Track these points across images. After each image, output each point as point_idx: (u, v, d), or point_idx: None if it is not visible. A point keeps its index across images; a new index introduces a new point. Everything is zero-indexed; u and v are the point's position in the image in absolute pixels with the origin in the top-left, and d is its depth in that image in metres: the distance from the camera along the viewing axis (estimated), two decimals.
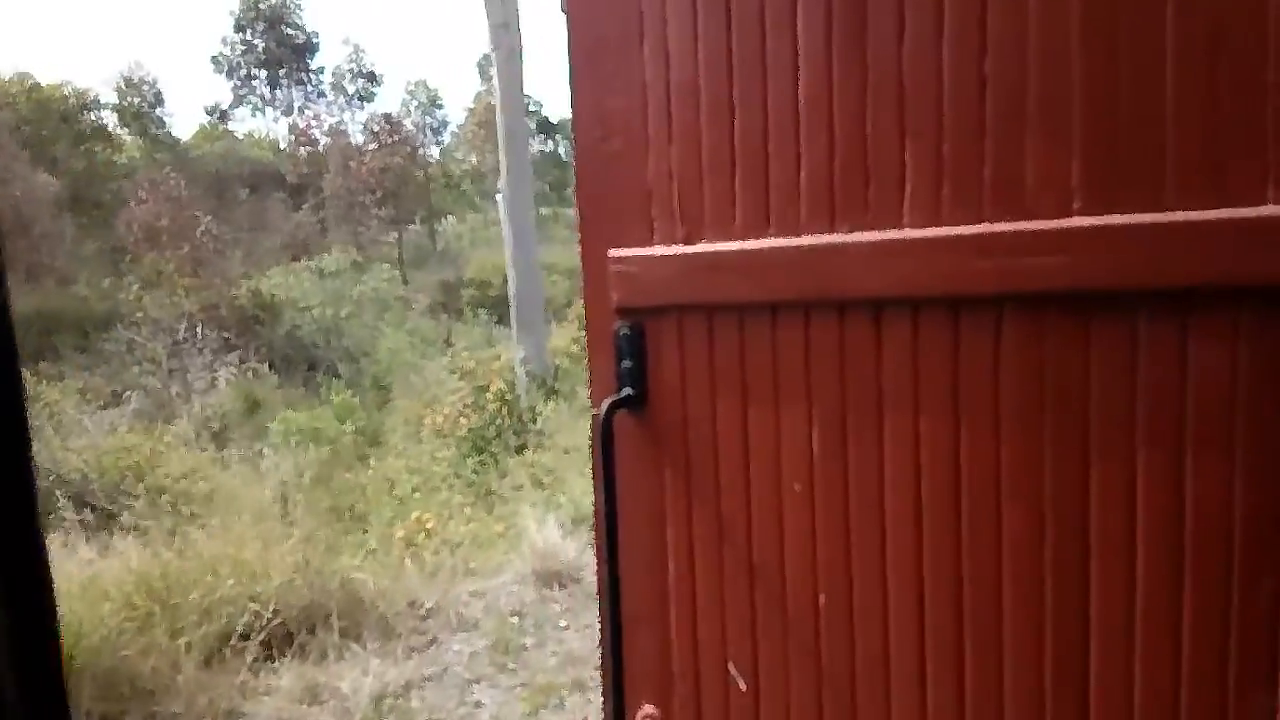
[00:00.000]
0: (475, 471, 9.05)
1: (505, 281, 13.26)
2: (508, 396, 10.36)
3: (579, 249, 1.39)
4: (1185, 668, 1.00)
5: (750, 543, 1.28)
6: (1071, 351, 1.04)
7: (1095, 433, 1.03)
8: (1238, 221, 0.94)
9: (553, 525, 6.16)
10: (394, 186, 27.02)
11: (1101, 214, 1.01)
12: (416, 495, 8.39)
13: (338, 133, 30.24)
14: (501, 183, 12.28)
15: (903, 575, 1.17)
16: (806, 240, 1.20)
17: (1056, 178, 1.04)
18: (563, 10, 1.42)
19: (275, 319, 17.26)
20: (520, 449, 9.65)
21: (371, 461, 10.05)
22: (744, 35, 1.22)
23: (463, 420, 10.07)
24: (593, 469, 1.37)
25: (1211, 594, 0.99)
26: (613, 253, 1.34)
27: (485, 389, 10.33)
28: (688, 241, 1.29)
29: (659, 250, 1.31)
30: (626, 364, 1.34)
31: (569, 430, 9.69)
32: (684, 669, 1.35)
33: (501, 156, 12.24)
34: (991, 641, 1.11)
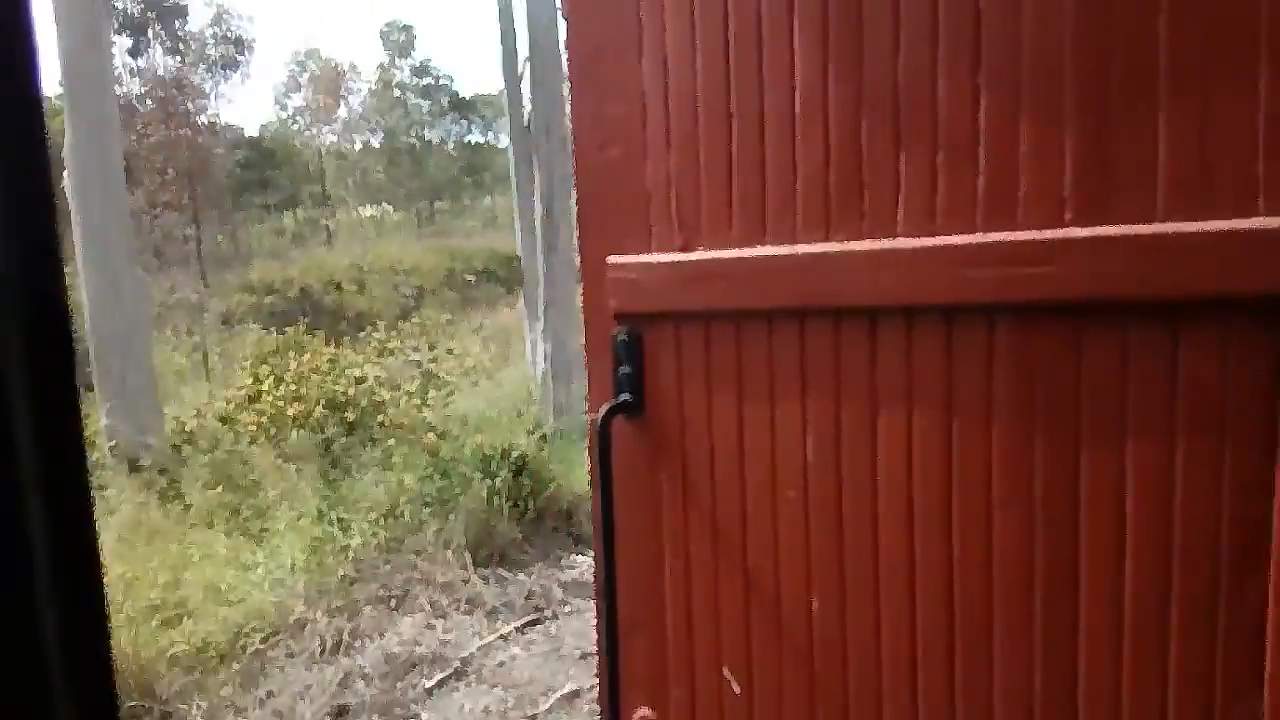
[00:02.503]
0: None
1: (294, 287, 11.34)
2: None
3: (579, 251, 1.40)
4: (1173, 669, 1.01)
5: (745, 548, 1.30)
6: (1062, 360, 1.05)
7: (1085, 441, 1.05)
8: (1227, 233, 0.96)
9: None
10: (187, 166, 21.48)
11: (1092, 225, 1.03)
12: None
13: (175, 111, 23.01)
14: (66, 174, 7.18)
15: (895, 580, 1.18)
16: (802, 249, 1.21)
17: (1048, 189, 1.05)
18: (564, 17, 1.44)
19: None
20: None
21: None
22: (741, 46, 1.24)
23: None
24: (590, 473, 1.38)
25: (1198, 598, 1.00)
26: (611, 259, 1.36)
27: None
28: (685, 249, 1.31)
29: (657, 257, 1.33)
30: (624, 370, 1.36)
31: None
32: (679, 672, 1.37)
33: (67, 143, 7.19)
34: (981, 644, 1.13)
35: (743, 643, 1.31)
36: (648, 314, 1.34)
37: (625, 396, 1.35)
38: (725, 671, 1.32)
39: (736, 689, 1.31)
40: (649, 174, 1.33)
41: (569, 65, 1.44)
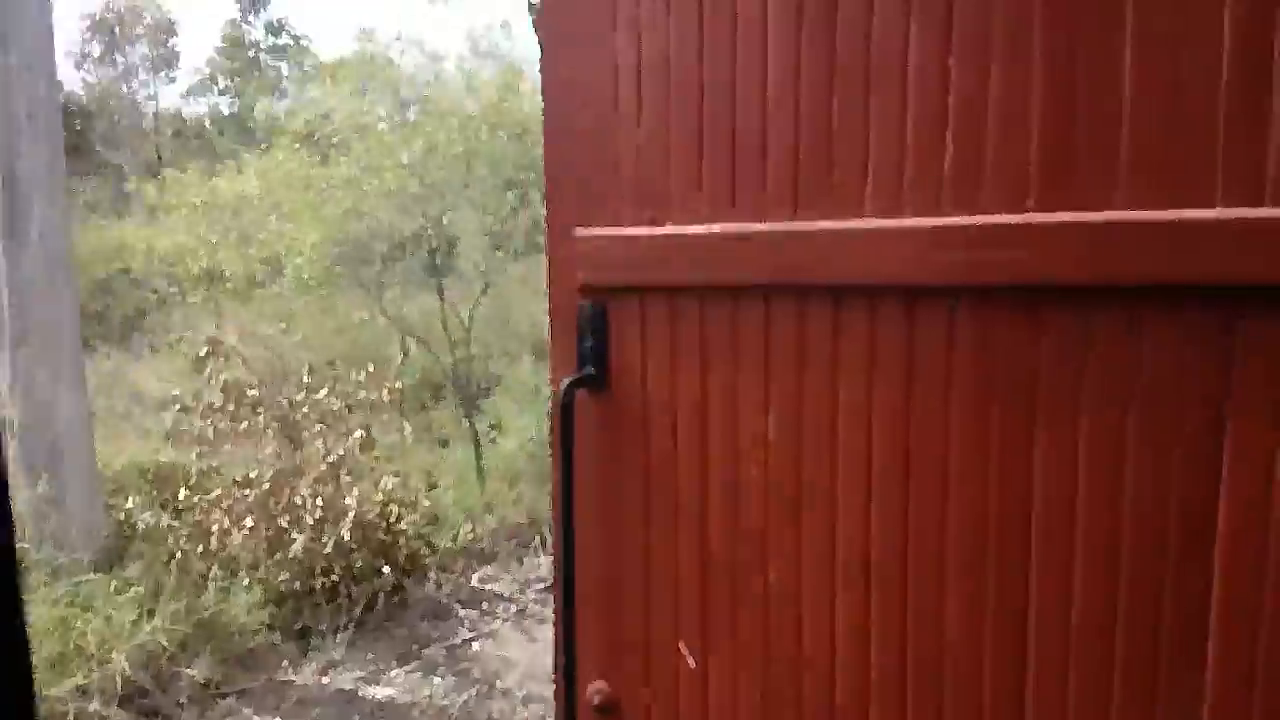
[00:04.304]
0: None
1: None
2: None
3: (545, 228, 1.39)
4: (1119, 642, 1.04)
5: (704, 522, 1.30)
6: (1021, 344, 1.06)
7: (1041, 422, 1.06)
8: (1186, 223, 0.97)
9: None
10: None
11: (1053, 210, 1.04)
12: None
13: None
14: None
15: (851, 554, 1.19)
16: (770, 225, 1.21)
17: (1013, 173, 1.06)
18: None
19: None
20: None
21: None
22: (715, 19, 1.23)
23: None
24: (550, 446, 1.38)
25: (1145, 578, 1.02)
26: (578, 232, 1.35)
27: None
28: (653, 223, 1.30)
29: (624, 231, 1.32)
30: (588, 343, 1.35)
31: None
32: (635, 646, 1.37)
33: None
34: (933, 617, 1.14)
35: (699, 617, 1.31)
36: (613, 287, 1.34)
37: (588, 370, 1.34)
38: (681, 646, 1.33)
39: (692, 663, 1.32)
40: (618, 146, 1.32)
41: (541, 34, 1.42)
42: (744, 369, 1.25)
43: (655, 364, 1.32)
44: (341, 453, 5.65)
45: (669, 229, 1.28)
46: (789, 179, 1.20)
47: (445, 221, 8.69)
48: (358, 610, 5.27)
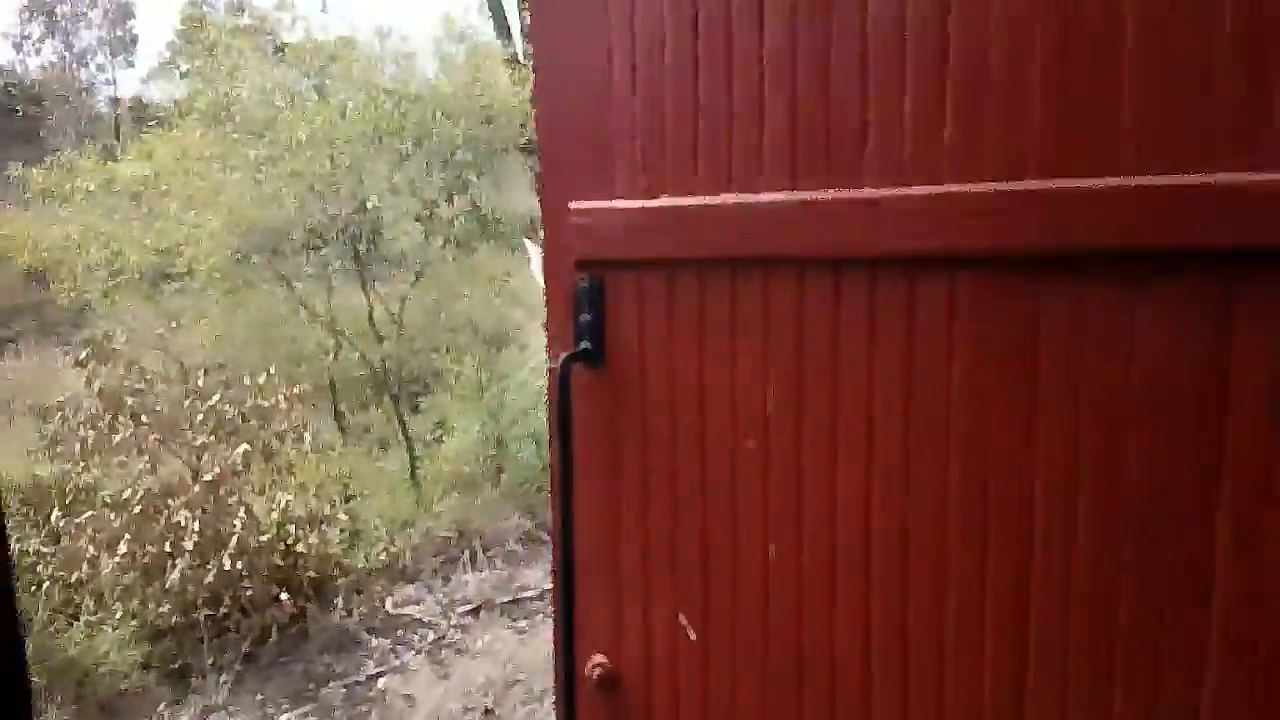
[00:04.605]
0: None
1: None
2: None
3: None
4: (1121, 617, 1.04)
5: (703, 496, 1.30)
6: (1022, 311, 1.06)
7: (1042, 392, 1.07)
8: (1186, 188, 0.97)
9: None
10: None
11: (1054, 178, 1.04)
12: None
13: None
14: None
15: (851, 529, 1.19)
16: (767, 197, 1.20)
17: (1013, 140, 1.06)
18: None
19: None
20: None
21: None
22: None
23: None
24: (548, 422, 1.37)
25: (1147, 546, 1.03)
26: (573, 205, 1.34)
27: None
28: (649, 195, 1.29)
29: (620, 204, 1.31)
30: (585, 318, 1.34)
31: None
32: (635, 620, 1.37)
33: None
34: (934, 591, 1.15)
35: (699, 590, 1.31)
36: (610, 261, 1.33)
37: (585, 345, 1.34)
38: (681, 619, 1.33)
39: (692, 636, 1.32)
40: (614, 118, 1.31)
41: (532, 8, 1.40)
42: (743, 342, 1.24)
43: (653, 338, 1.31)
44: (236, 465, 5.04)
45: (665, 201, 1.27)
46: (787, 149, 1.19)
47: (369, 206, 7.84)
48: (247, 644, 4.71)
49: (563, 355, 1.33)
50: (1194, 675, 1.01)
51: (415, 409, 8.28)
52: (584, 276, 1.34)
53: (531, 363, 7.29)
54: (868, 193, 1.14)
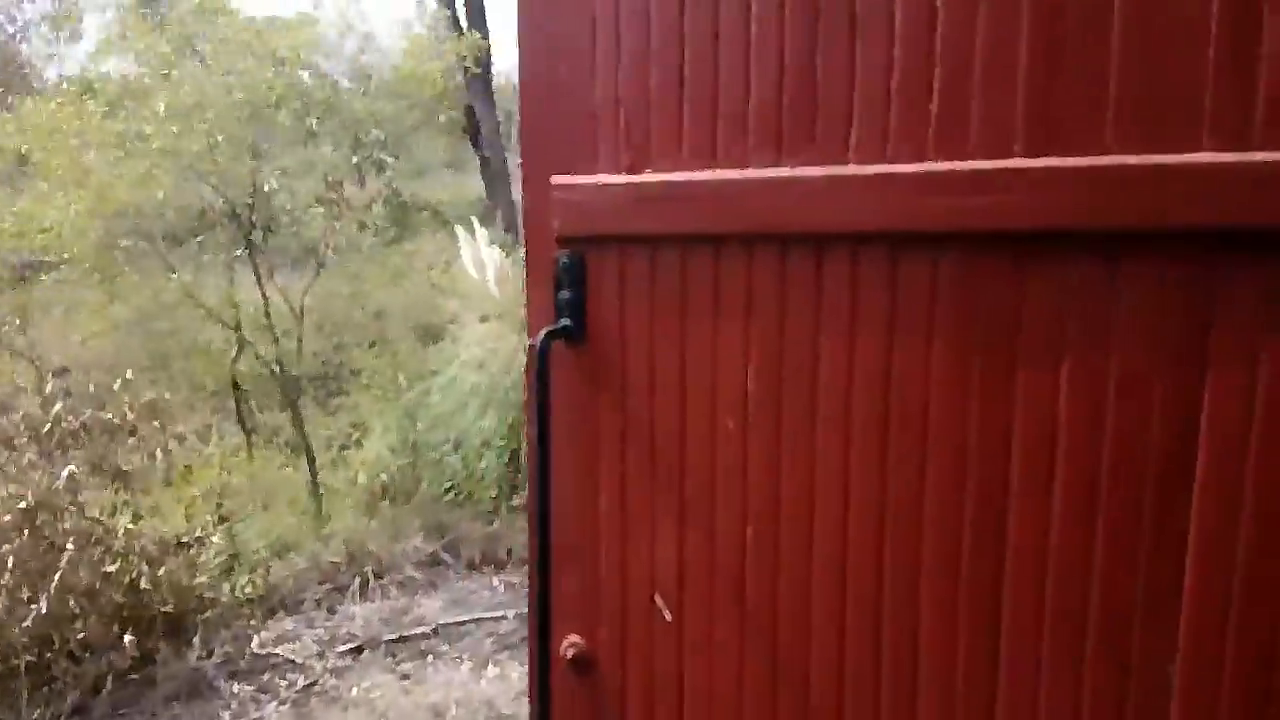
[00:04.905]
0: None
1: None
2: None
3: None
4: (1095, 593, 1.04)
5: (682, 476, 1.29)
6: (1005, 290, 1.06)
7: (1022, 369, 1.06)
8: (1171, 167, 0.97)
9: None
10: None
11: (1040, 156, 1.03)
12: None
13: None
14: None
15: (829, 510, 1.19)
16: (752, 173, 1.19)
17: (999, 118, 1.05)
18: None
19: None
20: None
21: None
22: None
23: None
24: (525, 399, 1.35)
25: (1122, 529, 1.03)
26: (555, 180, 1.32)
27: None
28: (632, 170, 1.27)
29: (602, 179, 1.29)
30: (565, 294, 1.32)
31: None
32: (611, 601, 1.36)
33: None
34: (910, 572, 1.14)
35: (675, 571, 1.30)
36: (592, 237, 1.31)
37: (565, 321, 1.32)
38: (657, 599, 1.32)
39: (668, 616, 1.31)
40: (597, 92, 1.29)
41: None
42: (725, 319, 1.23)
43: (634, 315, 1.30)
44: (76, 482, 4.24)
45: (648, 177, 1.26)
46: (772, 125, 1.18)
47: (265, 189, 6.85)
48: (76, 695, 3.94)
49: (542, 331, 1.31)
50: (1168, 645, 1.01)
51: (328, 410, 7.31)
52: (565, 252, 1.32)
53: (464, 355, 6.44)
54: (853, 169, 1.13)
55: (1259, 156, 0.93)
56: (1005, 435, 1.08)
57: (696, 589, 1.29)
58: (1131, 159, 0.98)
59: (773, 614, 1.24)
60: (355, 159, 7.75)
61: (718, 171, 1.21)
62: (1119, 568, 1.03)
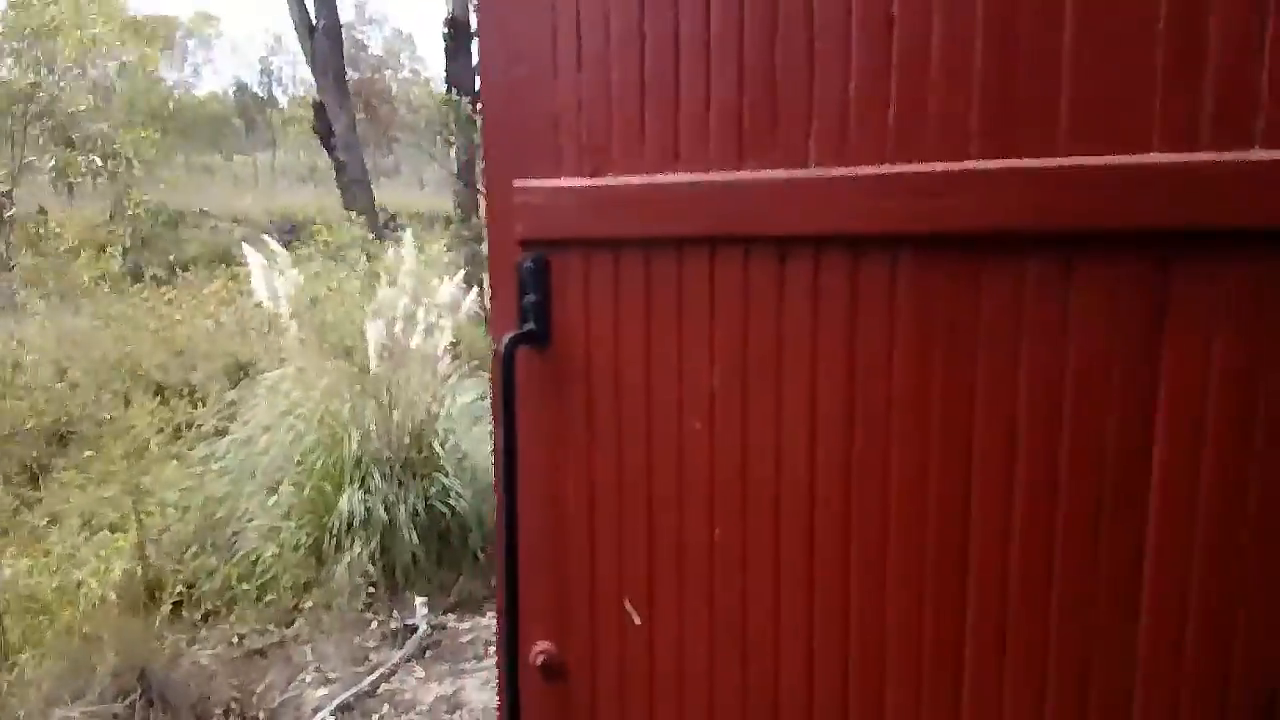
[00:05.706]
0: None
1: None
2: None
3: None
4: (1056, 585, 1.06)
5: (649, 480, 1.29)
6: (963, 289, 1.07)
7: (981, 370, 1.07)
8: (1124, 168, 0.98)
9: None
10: None
11: (994, 158, 1.04)
12: None
13: None
14: None
15: (796, 510, 1.19)
16: (714, 176, 1.19)
17: (955, 121, 1.06)
18: None
19: None
20: None
21: None
22: None
23: None
24: (492, 404, 1.35)
25: (1082, 525, 1.04)
26: (517, 183, 1.31)
27: None
28: (594, 174, 1.27)
29: (565, 182, 1.28)
30: (530, 298, 1.32)
31: None
32: (580, 605, 1.35)
33: None
34: (876, 571, 1.15)
35: (644, 575, 1.30)
36: (555, 241, 1.30)
37: (530, 326, 1.31)
38: (626, 604, 1.32)
39: (637, 621, 1.31)
40: (558, 95, 1.29)
41: None
42: (689, 321, 1.23)
43: (599, 319, 1.29)
44: None
45: (611, 180, 1.26)
46: (733, 129, 1.18)
47: None
48: None
49: (506, 336, 1.30)
50: (1129, 631, 1.03)
51: (46, 471, 5.47)
52: (528, 256, 1.31)
53: (246, 415, 5.03)
54: (813, 172, 1.13)
55: (1206, 156, 0.95)
56: (966, 432, 1.09)
57: (665, 592, 1.29)
58: (1083, 160, 1.00)
59: (742, 615, 1.24)
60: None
61: (680, 174, 1.21)
62: (1079, 562, 1.05)
